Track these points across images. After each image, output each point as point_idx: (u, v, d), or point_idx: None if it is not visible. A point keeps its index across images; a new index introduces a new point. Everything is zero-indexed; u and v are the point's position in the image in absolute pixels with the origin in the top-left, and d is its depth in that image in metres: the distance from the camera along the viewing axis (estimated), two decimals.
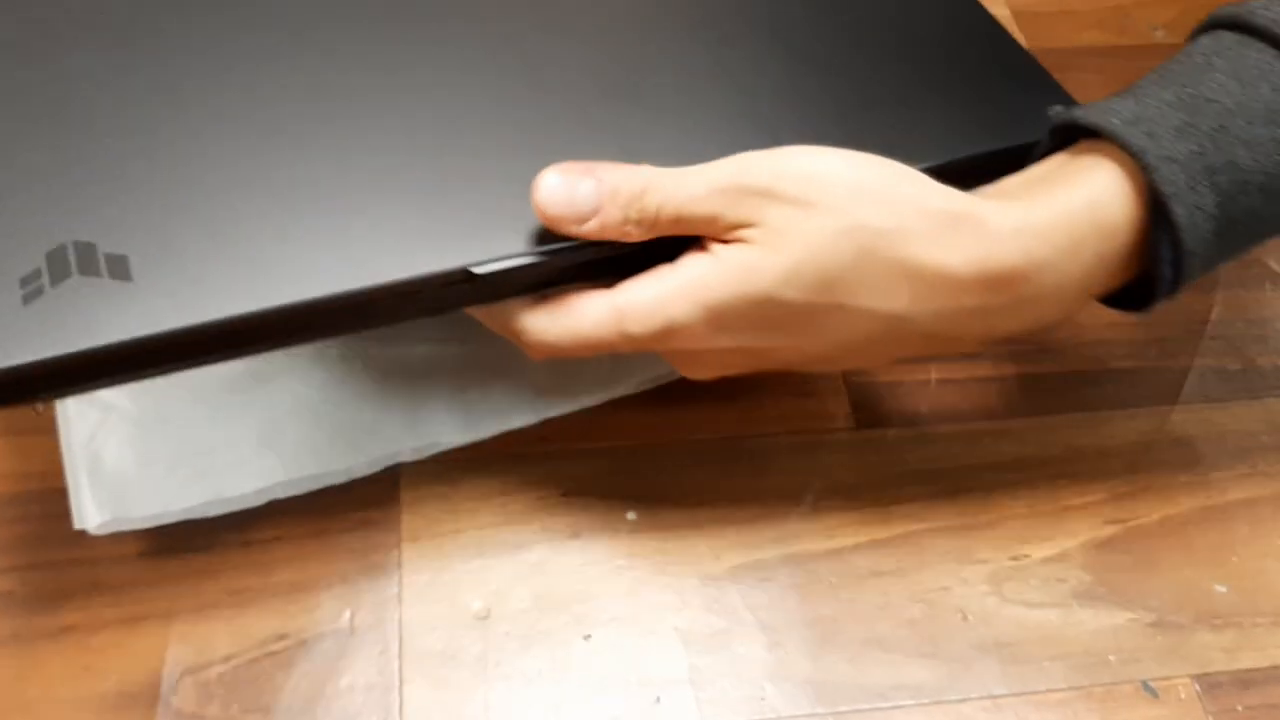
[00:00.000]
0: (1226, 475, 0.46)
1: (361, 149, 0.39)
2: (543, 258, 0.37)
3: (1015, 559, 0.43)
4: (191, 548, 0.41)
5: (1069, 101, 0.46)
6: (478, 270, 0.36)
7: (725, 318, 0.36)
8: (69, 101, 0.39)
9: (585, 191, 0.36)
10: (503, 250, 0.37)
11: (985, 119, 0.44)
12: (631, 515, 0.43)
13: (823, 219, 0.35)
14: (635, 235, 0.36)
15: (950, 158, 0.42)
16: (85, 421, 0.42)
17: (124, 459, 0.42)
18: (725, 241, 0.36)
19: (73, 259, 0.35)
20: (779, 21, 0.46)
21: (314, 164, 0.38)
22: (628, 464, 0.44)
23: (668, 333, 0.36)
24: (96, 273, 0.35)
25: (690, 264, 0.36)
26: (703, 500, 0.44)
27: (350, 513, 0.42)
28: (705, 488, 0.44)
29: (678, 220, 0.36)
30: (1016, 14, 0.62)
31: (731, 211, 0.35)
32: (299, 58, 0.41)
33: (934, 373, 0.48)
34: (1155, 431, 0.47)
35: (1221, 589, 0.43)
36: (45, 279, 0.35)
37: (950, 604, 0.42)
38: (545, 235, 0.37)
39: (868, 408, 0.47)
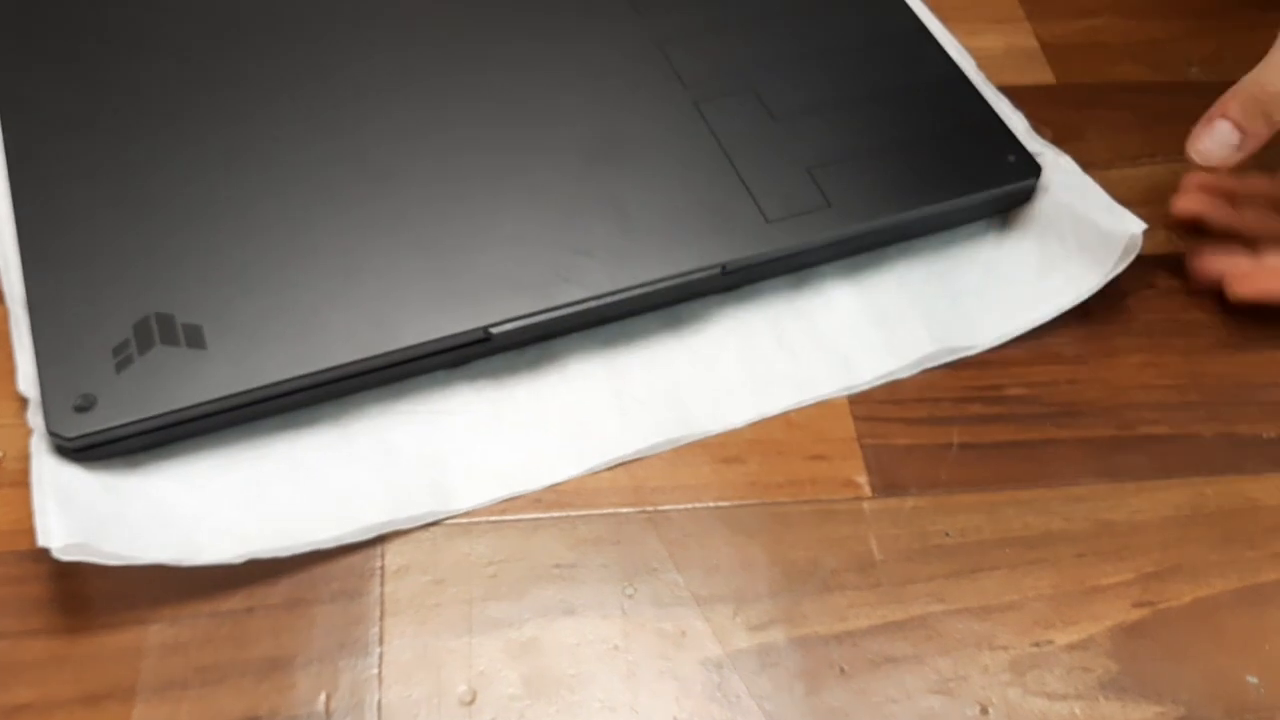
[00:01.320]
0: (1260, 555, 0.43)
1: (395, 225, 0.45)
2: (551, 314, 0.43)
3: (1038, 645, 0.40)
4: (158, 617, 0.38)
5: (1025, 156, 0.50)
6: (495, 330, 0.43)
7: None
8: (144, 181, 0.46)
9: (1224, 131, 0.45)
10: (516, 310, 0.43)
11: (941, 175, 0.49)
12: (629, 590, 0.40)
13: None
14: (1266, 133, 0.45)
15: (901, 213, 0.48)
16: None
17: (98, 496, 0.39)
18: None
19: (155, 330, 0.41)
20: (754, 77, 0.52)
21: (353, 238, 0.44)
22: (627, 532, 0.42)
23: None
24: (176, 342, 0.41)
25: None
26: (706, 574, 0.41)
27: (329, 582, 0.39)
28: (709, 560, 0.41)
29: None
30: (1045, 46, 0.59)
31: None
32: (337, 140, 0.48)
33: (956, 436, 0.45)
34: (1187, 505, 0.44)
35: (1254, 680, 0.40)
36: (134, 348, 0.40)
37: (970, 695, 0.39)
38: (550, 294, 0.44)
39: (885, 473, 0.44)
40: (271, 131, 0.48)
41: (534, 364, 0.45)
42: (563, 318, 0.44)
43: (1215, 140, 0.46)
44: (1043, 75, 0.58)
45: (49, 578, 0.39)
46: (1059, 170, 0.50)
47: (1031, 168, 0.50)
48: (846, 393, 0.46)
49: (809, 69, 0.52)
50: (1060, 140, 0.55)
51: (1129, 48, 0.60)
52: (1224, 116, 0.45)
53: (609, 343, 0.46)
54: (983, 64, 0.57)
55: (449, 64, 0.51)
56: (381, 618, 0.39)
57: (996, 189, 0.49)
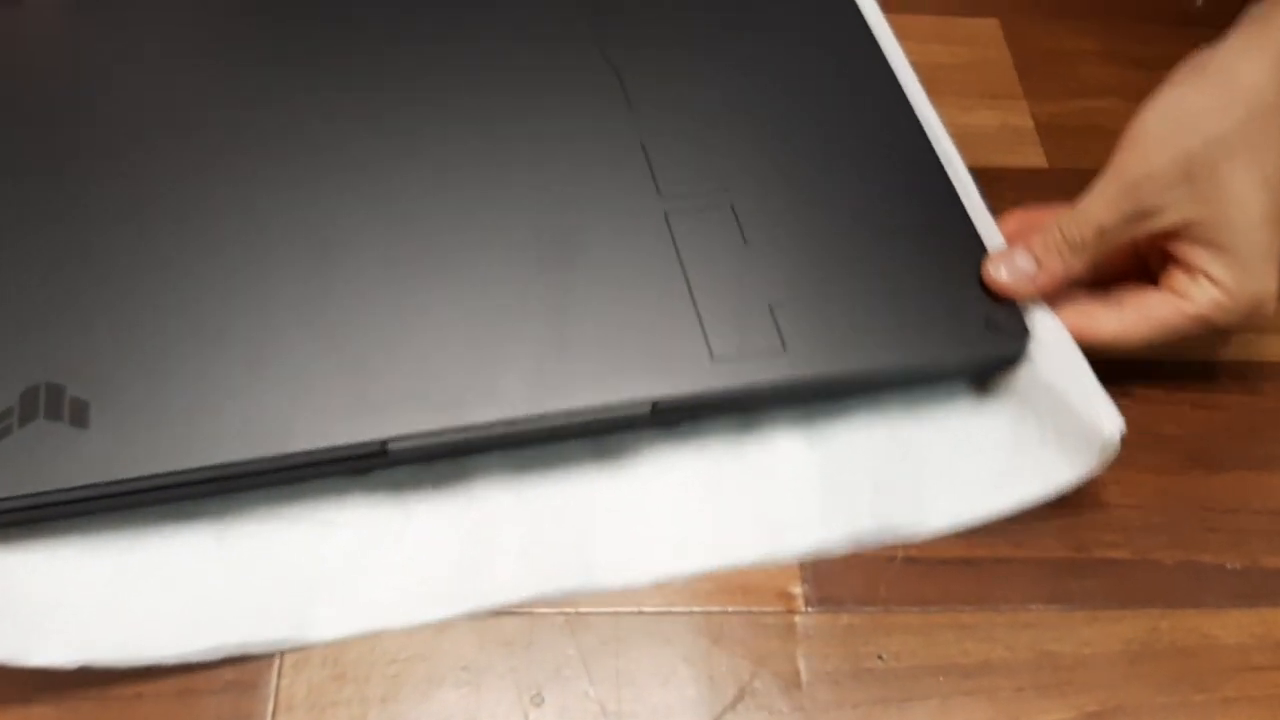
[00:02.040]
0: (1210, 699, 0.41)
1: (314, 312, 0.42)
2: (456, 435, 0.40)
3: None
4: (43, 698, 0.37)
5: (1014, 317, 0.45)
6: (393, 446, 0.39)
7: None
8: (57, 243, 0.43)
9: (1023, 260, 0.45)
10: (419, 425, 0.40)
11: (916, 329, 0.44)
12: (537, 698, 0.38)
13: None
14: (1077, 267, 0.45)
15: (863, 367, 0.44)
16: None
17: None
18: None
19: (42, 401, 0.39)
20: (735, 189, 0.48)
21: (267, 324, 0.41)
22: (542, 634, 0.40)
23: None
24: (59, 417, 0.39)
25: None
26: (620, 686, 0.39)
27: (224, 671, 0.38)
28: (626, 670, 0.39)
29: (1101, 234, 0.44)
30: (1040, 125, 0.57)
31: (1140, 203, 0.43)
32: (269, 209, 0.45)
33: (900, 549, 0.43)
34: (1138, 640, 0.42)
35: None
36: (15, 419, 0.38)
37: None
38: (460, 411, 0.40)
39: (823, 584, 0.42)
40: (200, 201, 0.45)
41: (440, 481, 0.42)
42: (471, 439, 0.40)
43: (1010, 268, 0.45)
44: (1034, 158, 0.56)
45: None
46: (1048, 334, 0.45)
47: (1018, 333, 0.44)
48: (769, 563, 0.42)
49: (794, 183, 0.48)
50: None
51: None
52: (1025, 248, 0.45)
53: (524, 467, 0.43)
54: (973, 142, 0.54)
55: (413, 134, 0.48)
56: (274, 714, 0.37)
57: (976, 354, 0.45)
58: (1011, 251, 0.45)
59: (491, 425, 0.40)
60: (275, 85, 0.49)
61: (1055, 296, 0.46)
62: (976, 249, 0.46)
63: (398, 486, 0.42)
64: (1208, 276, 0.44)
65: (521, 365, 0.41)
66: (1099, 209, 0.44)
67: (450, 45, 0.51)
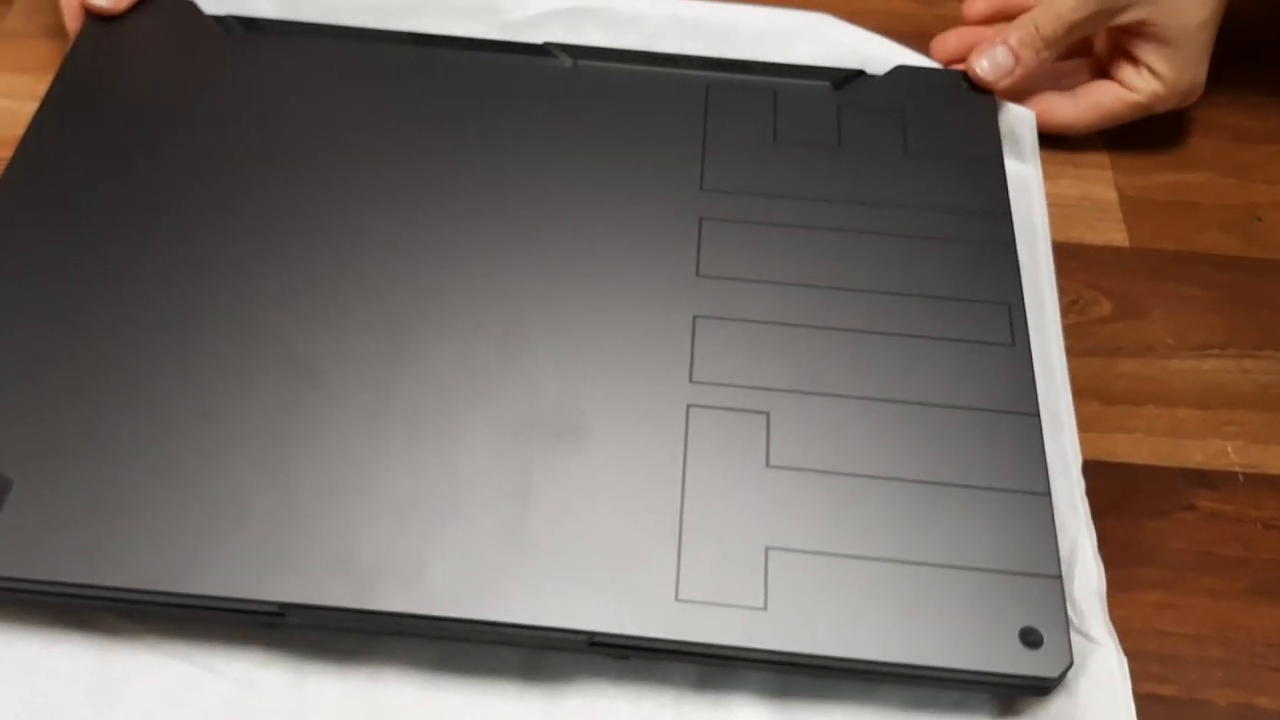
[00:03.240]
0: None
1: (266, 446, 0.39)
2: (360, 617, 0.36)
3: None
4: None
5: (1058, 638, 0.37)
6: (291, 617, 0.37)
7: None
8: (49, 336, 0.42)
9: (1003, 54, 0.51)
10: (322, 598, 0.36)
11: (935, 628, 0.37)
12: None
13: None
14: (1048, 59, 0.52)
15: (854, 655, 0.37)
16: None
17: None
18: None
19: None
20: (776, 395, 0.42)
21: (210, 449, 0.39)
22: None
23: None
24: None
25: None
26: None
27: None
28: None
29: (1071, 29, 0.51)
30: (1124, 199, 0.53)
31: (1103, 2, 0.50)
32: (257, 321, 0.43)
33: None
34: None
35: None
36: None
37: None
38: (371, 592, 0.36)
39: None
40: (196, 313, 0.43)
41: (345, 657, 0.38)
42: (378, 625, 0.36)
43: (992, 62, 0.51)
44: (1115, 234, 0.52)
45: None
46: (1095, 664, 0.38)
47: (1058, 656, 0.37)
48: None
49: (856, 416, 0.41)
50: (1119, 316, 0.49)
51: (1221, 212, 0.53)
52: (1004, 43, 0.51)
53: (440, 666, 0.38)
54: (1052, 212, 0.51)
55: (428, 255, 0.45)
56: None
57: (1002, 669, 0.36)
58: (991, 46, 0.51)
59: (400, 617, 0.36)
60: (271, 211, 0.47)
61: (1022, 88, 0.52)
62: (1043, 559, 0.38)
63: (297, 651, 0.38)
64: (1151, 70, 0.51)
65: (460, 552, 0.37)
66: (1071, 7, 0.50)
67: (528, 179, 0.48)
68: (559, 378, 0.42)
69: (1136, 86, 0.52)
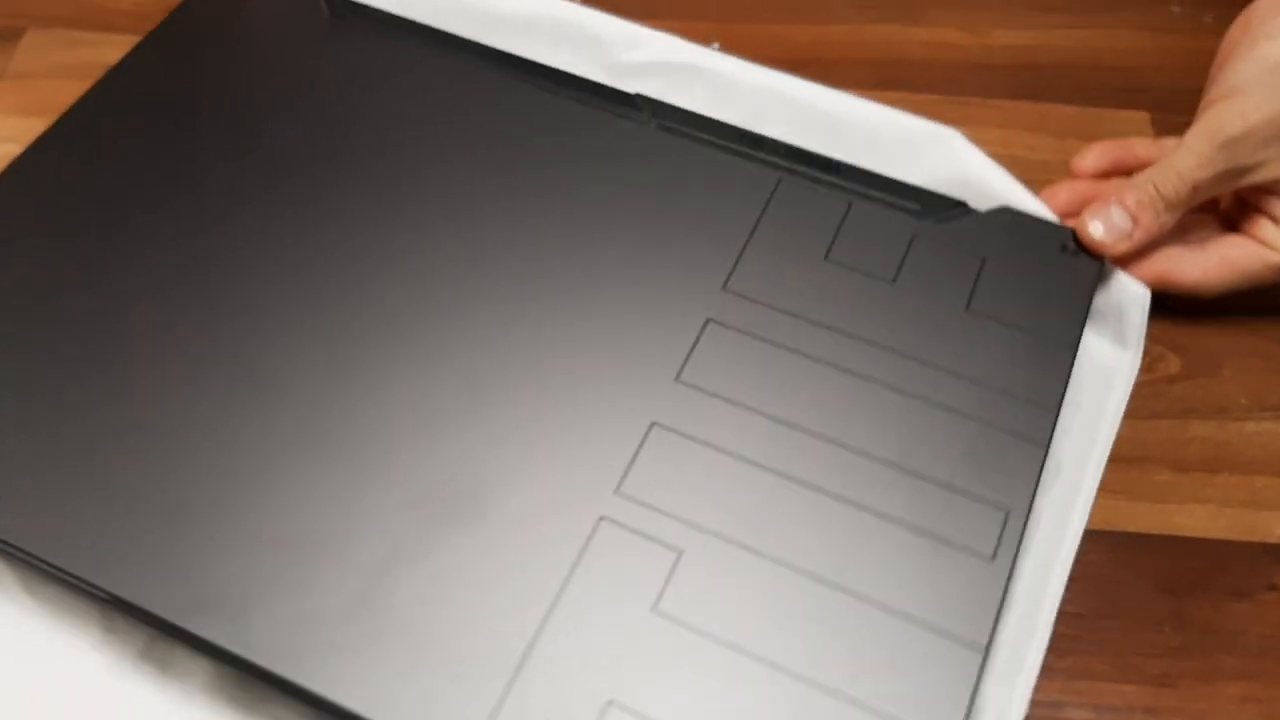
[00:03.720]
0: None
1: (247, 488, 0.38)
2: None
3: None
4: None
5: None
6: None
7: None
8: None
9: (1119, 216, 0.45)
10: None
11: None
12: None
13: None
14: (1170, 223, 0.45)
15: None
16: None
17: None
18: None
19: None
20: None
21: (191, 469, 0.38)
22: None
23: None
24: None
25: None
26: None
27: None
28: None
29: (1195, 190, 0.44)
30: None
31: (1236, 160, 0.43)
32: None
33: None
34: None
35: None
36: None
37: None
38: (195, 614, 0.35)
39: None
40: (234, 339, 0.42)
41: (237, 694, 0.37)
42: (189, 641, 0.35)
43: (1107, 224, 0.45)
44: None
45: None
46: None
47: None
48: None
49: (772, 563, 0.37)
50: (1189, 374, 0.46)
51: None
52: (1120, 203, 0.45)
53: None
54: None
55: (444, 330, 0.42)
56: None
57: None
58: (1106, 207, 0.45)
59: (206, 643, 0.35)
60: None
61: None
62: None
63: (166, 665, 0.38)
64: None
65: (293, 605, 0.35)
66: (1194, 166, 0.44)
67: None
68: (484, 449, 0.39)
69: (1278, 245, 0.45)
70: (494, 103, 0.49)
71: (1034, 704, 0.38)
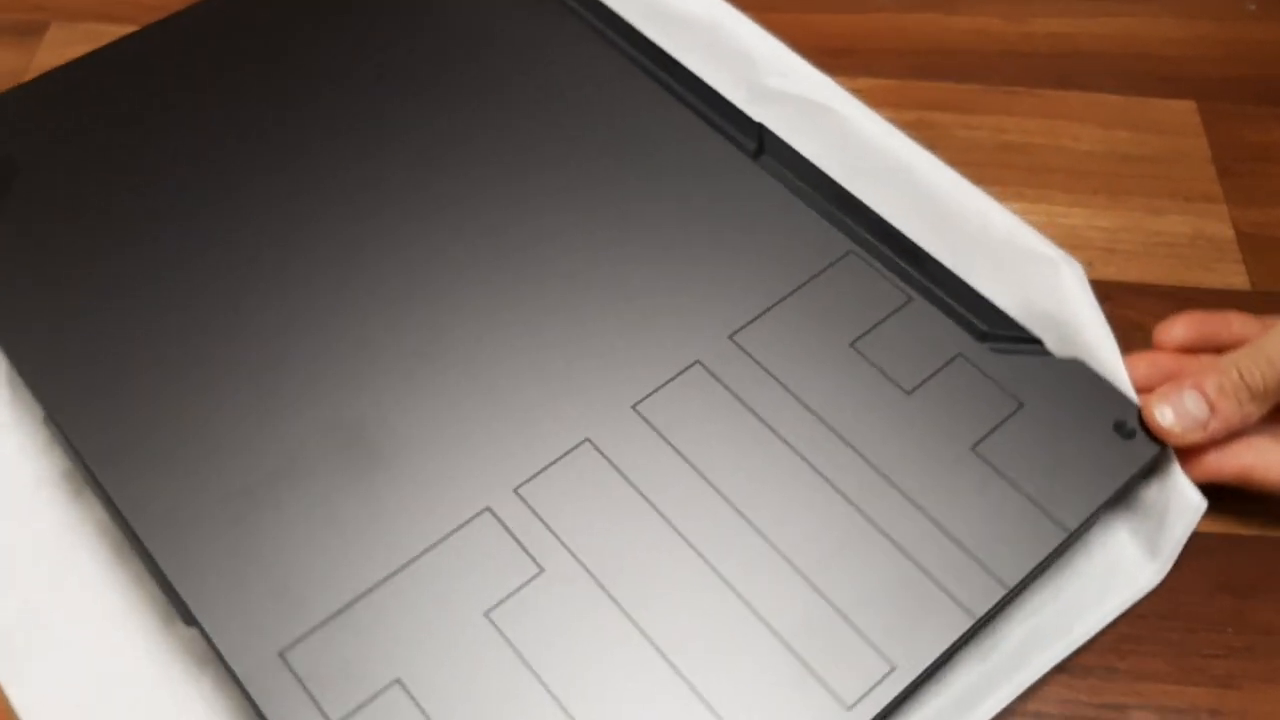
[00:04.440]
0: None
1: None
2: None
3: None
4: None
5: None
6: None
7: None
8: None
9: (1194, 402, 0.39)
10: None
11: None
12: None
13: None
14: (1255, 414, 0.39)
15: None
16: None
17: None
18: None
19: None
20: None
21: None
22: None
23: None
24: None
25: None
26: None
27: None
28: None
29: None
30: (1242, 236, 0.49)
31: None
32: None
33: None
34: None
35: None
36: None
37: None
38: None
39: None
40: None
41: None
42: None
43: (1179, 410, 0.39)
44: (1234, 277, 0.48)
45: None
46: None
47: None
48: None
49: (623, 617, 0.35)
50: None
51: None
52: (1197, 388, 0.39)
53: None
54: (1162, 252, 0.47)
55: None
56: None
57: None
58: (1179, 391, 0.39)
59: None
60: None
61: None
62: None
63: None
64: None
65: (186, 493, 0.37)
66: None
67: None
68: (418, 404, 0.39)
69: None
70: (611, 84, 0.48)
71: (1098, 706, 0.37)
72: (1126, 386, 0.40)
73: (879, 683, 0.34)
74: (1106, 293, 0.47)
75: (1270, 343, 0.39)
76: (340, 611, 0.34)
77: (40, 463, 0.41)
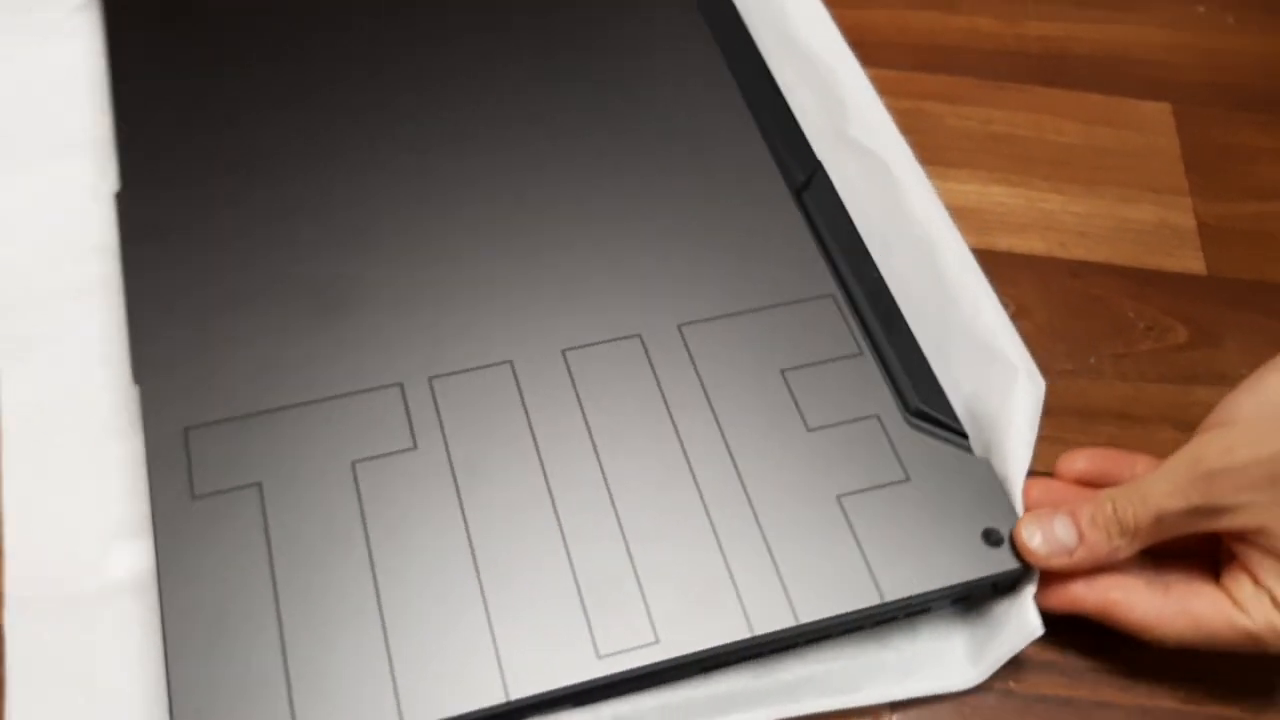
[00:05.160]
0: None
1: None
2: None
3: None
4: None
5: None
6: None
7: None
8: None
9: (1064, 530, 0.39)
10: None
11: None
12: None
13: None
14: (1125, 550, 0.39)
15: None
16: None
17: None
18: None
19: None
20: None
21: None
22: None
23: None
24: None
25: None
26: None
27: None
28: None
29: (1159, 521, 0.38)
30: (1203, 227, 0.54)
31: (1212, 498, 0.37)
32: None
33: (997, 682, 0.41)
34: None
35: None
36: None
37: None
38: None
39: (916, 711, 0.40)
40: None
41: None
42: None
43: (1046, 535, 0.39)
44: (1192, 262, 0.53)
45: None
46: None
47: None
48: None
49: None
50: (1195, 344, 0.50)
51: None
52: (1070, 515, 0.39)
53: None
54: (1130, 238, 0.52)
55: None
56: None
57: None
58: (1053, 516, 0.39)
59: None
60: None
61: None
62: None
63: None
64: (1273, 597, 0.38)
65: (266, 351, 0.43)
66: (1162, 494, 0.38)
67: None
68: (387, 272, 0.45)
69: (1251, 610, 0.38)
70: (700, 82, 0.52)
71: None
72: (1016, 500, 0.41)
73: (636, 648, 0.37)
74: (1075, 270, 0.52)
75: (1149, 482, 0.39)
76: (247, 416, 0.41)
77: None
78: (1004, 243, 0.52)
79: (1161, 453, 0.45)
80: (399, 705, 0.35)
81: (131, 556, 0.40)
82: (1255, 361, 0.49)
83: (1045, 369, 0.45)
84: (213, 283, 0.44)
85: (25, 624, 0.39)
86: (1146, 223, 0.54)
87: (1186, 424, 0.47)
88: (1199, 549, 0.40)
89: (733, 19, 0.56)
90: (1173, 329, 0.50)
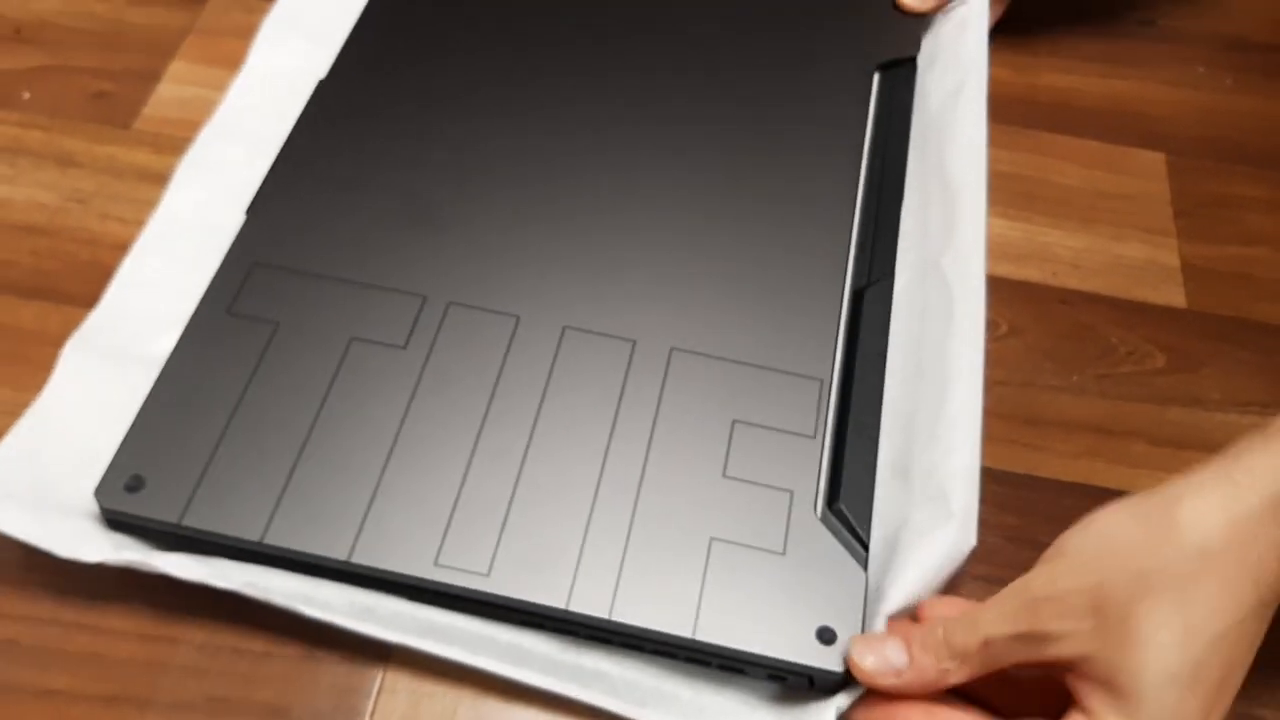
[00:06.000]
0: None
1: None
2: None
3: None
4: (188, 639, 0.43)
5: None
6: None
7: None
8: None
9: (894, 651, 0.40)
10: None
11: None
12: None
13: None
14: (954, 674, 0.39)
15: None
16: None
17: None
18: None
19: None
20: None
21: None
22: None
23: None
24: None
25: None
26: None
27: (341, 644, 0.43)
28: None
29: (986, 647, 0.38)
30: (1186, 266, 0.58)
31: (1037, 624, 0.38)
32: None
33: None
34: None
35: None
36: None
37: None
38: None
39: None
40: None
41: None
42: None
43: (878, 657, 0.40)
44: (1174, 297, 0.57)
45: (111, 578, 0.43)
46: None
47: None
48: None
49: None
50: (1172, 369, 0.54)
51: (1278, 285, 0.58)
52: (902, 638, 0.40)
53: None
54: (1118, 271, 0.57)
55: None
56: (379, 693, 0.42)
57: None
58: (884, 639, 0.40)
59: None
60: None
61: (926, 697, 0.40)
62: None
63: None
64: None
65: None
66: (990, 620, 0.38)
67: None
68: (481, 205, 0.53)
69: None
70: (828, 152, 0.56)
71: None
72: (877, 621, 0.42)
73: (467, 572, 0.41)
74: (1066, 297, 0.56)
75: (980, 609, 0.39)
76: (303, 273, 0.49)
77: None
78: (1003, 269, 0.57)
79: (1135, 464, 0.50)
80: (276, 507, 0.42)
81: (173, 342, 0.48)
82: (1228, 388, 0.54)
83: (1033, 383, 0.49)
84: (349, 165, 0.53)
85: (79, 357, 0.48)
86: (1135, 259, 0.58)
87: (1160, 440, 0.52)
88: (1051, 704, 0.39)
89: (903, 106, 0.59)
90: (1152, 355, 0.55)
